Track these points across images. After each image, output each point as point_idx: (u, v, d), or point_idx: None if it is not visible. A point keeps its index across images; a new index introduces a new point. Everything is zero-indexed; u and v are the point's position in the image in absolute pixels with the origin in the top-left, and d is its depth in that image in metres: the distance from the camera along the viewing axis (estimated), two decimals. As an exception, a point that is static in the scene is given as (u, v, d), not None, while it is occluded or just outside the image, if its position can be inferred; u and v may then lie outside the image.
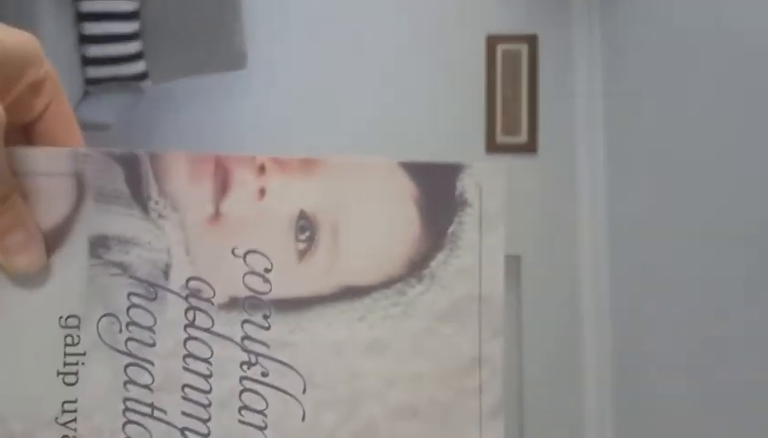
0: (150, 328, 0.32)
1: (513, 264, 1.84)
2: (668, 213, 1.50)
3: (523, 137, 1.82)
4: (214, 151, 0.33)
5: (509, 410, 1.82)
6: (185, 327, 0.32)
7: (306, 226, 0.33)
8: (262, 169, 0.33)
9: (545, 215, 1.84)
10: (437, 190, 0.34)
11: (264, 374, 0.33)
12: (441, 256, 0.34)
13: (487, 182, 0.34)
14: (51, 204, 0.32)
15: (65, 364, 0.32)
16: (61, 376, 0.32)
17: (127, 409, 0.32)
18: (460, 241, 0.34)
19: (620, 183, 1.74)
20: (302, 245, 0.33)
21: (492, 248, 0.34)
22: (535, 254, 1.83)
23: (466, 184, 0.34)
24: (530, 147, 1.83)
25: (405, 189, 0.34)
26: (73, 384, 0.32)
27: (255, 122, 1.82)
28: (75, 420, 0.32)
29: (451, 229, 0.34)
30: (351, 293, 0.33)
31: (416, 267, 0.34)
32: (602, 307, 1.79)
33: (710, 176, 1.36)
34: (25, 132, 0.34)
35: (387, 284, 0.34)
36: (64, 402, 0.32)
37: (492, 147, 1.83)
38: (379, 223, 0.34)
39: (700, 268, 1.39)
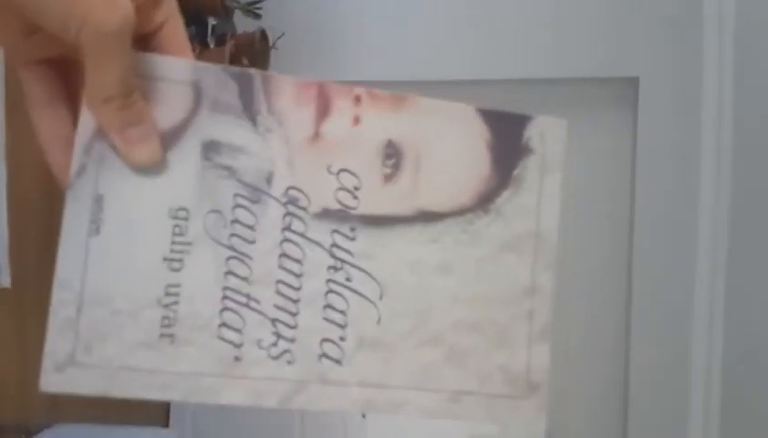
0: (251, 227, 0.37)
1: (631, 86, 1.75)
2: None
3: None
4: (317, 79, 0.37)
5: (621, 229, 1.79)
6: (282, 229, 0.37)
7: (392, 154, 0.37)
8: (358, 99, 0.37)
9: (668, 34, 1.69)
10: (506, 136, 0.38)
11: (348, 279, 0.37)
12: (506, 194, 0.38)
13: (550, 133, 0.39)
14: (169, 107, 0.36)
15: (171, 251, 0.36)
16: (167, 262, 0.36)
17: (225, 297, 0.36)
18: (523, 182, 0.39)
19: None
20: (388, 170, 0.38)
21: (550, 191, 0.39)
22: (656, 75, 1.70)
23: (532, 134, 0.39)
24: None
25: (480, 132, 0.38)
26: (177, 270, 0.36)
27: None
28: (177, 303, 0.35)
29: (516, 171, 0.39)
30: (427, 217, 0.38)
31: (484, 201, 0.38)
32: (724, 132, 1.63)
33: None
34: (142, 45, 0.36)
35: (459, 213, 0.38)
36: (168, 286, 0.35)
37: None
38: (456, 159, 0.38)
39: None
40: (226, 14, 1.41)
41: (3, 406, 1.07)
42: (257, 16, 1.48)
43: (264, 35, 1.46)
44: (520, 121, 0.39)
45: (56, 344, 0.34)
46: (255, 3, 1.47)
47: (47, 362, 0.34)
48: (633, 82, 1.73)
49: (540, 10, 1.72)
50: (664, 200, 1.72)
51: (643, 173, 1.73)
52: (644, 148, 1.73)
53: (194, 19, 1.37)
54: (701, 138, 1.69)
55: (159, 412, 1.53)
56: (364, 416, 1.57)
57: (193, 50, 1.31)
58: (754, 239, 1.52)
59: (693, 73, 1.68)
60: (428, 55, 1.72)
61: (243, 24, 1.49)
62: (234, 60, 1.41)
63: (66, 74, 0.37)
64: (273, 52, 1.49)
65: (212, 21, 1.42)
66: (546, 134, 0.39)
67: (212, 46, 1.42)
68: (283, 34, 1.50)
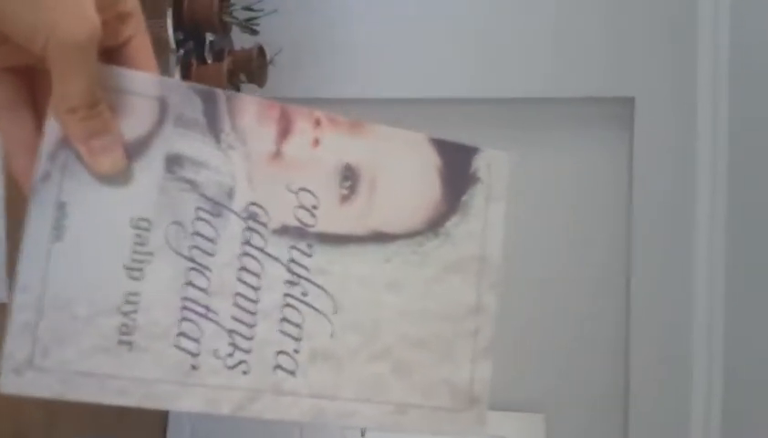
0: (211, 240, 0.38)
1: (627, 106, 1.75)
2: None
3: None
4: (280, 102, 0.38)
5: (619, 247, 1.78)
6: (242, 243, 0.38)
7: (349, 176, 0.39)
8: (318, 122, 0.39)
9: (664, 55, 1.68)
10: (456, 165, 0.41)
11: (304, 294, 0.39)
12: (454, 219, 0.41)
13: (496, 164, 0.41)
14: (135, 120, 0.37)
15: (132, 260, 0.37)
16: (127, 270, 0.37)
17: (184, 307, 0.37)
18: (471, 209, 0.41)
19: (744, 12, 1.56)
20: (344, 191, 0.39)
21: (494, 218, 0.41)
22: (652, 96, 1.69)
23: (479, 164, 0.41)
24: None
25: (432, 160, 0.41)
26: (137, 279, 0.37)
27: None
28: (136, 311, 0.37)
29: (464, 198, 0.41)
30: (380, 238, 0.40)
31: (434, 225, 0.41)
32: (719, 155, 1.62)
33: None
34: (109, 58, 0.38)
35: (410, 235, 0.40)
36: (127, 294, 0.37)
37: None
38: (409, 184, 0.40)
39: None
40: (224, 30, 1.42)
41: (-1, 421, 1.08)
42: (255, 33, 1.49)
43: (261, 51, 1.48)
44: (469, 152, 0.41)
45: (14, 347, 0.35)
46: (253, 19, 1.49)
47: (6, 365, 0.35)
48: (629, 102, 1.73)
49: (538, 31, 1.73)
50: (661, 219, 1.72)
51: (639, 193, 1.74)
52: (640, 168, 1.74)
53: (192, 35, 1.39)
54: (697, 158, 1.70)
55: (156, 426, 1.53)
56: (363, 434, 1.57)
57: (190, 66, 1.31)
58: (750, 256, 1.53)
59: (689, 94, 1.69)
60: (425, 73, 1.73)
61: (240, 40, 1.50)
62: (232, 76, 1.43)
63: (32, 81, 0.38)
64: (270, 68, 1.51)
65: (209, 37, 1.44)
66: (492, 165, 0.41)
67: (209, 61, 1.44)
68: (280, 50, 1.52)
